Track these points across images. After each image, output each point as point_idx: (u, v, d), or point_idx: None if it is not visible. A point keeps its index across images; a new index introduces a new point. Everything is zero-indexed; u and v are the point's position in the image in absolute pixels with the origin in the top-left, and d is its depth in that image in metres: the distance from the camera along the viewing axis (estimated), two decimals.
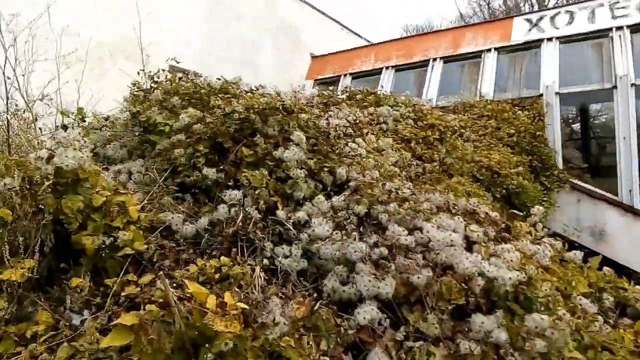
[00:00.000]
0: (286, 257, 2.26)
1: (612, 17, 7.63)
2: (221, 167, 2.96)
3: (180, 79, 3.66)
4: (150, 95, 3.43)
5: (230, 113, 3.21)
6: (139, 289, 1.94)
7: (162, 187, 2.77)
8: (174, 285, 1.98)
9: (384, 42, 10.19)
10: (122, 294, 1.91)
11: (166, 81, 3.62)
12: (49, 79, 3.83)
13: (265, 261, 2.23)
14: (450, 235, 2.06)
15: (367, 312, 1.75)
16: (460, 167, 5.34)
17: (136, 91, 3.51)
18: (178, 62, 3.66)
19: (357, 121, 4.60)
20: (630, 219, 6.53)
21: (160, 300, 1.59)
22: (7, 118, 3.00)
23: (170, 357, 1.48)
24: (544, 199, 6.40)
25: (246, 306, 1.57)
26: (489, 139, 6.80)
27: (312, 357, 1.63)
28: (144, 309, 1.86)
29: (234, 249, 2.18)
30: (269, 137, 3.22)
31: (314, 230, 2.34)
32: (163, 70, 3.64)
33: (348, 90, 6.32)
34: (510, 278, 1.98)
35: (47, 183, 1.78)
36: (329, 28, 14.77)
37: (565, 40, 8.12)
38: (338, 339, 1.76)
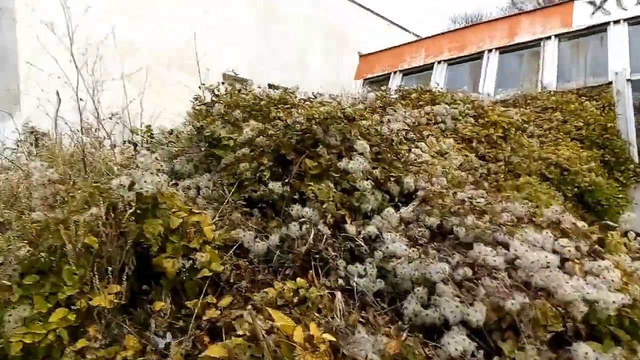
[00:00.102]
0: (361, 276, 2.19)
1: None
2: (286, 180, 2.94)
3: (239, 91, 3.68)
4: (212, 109, 3.47)
5: (292, 124, 3.18)
6: (219, 312, 1.94)
7: (231, 202, 2.78)
8: (251, 306, 1.98)
9: (434, 35, 9.86)
10: (204, 317, 1.92)
11: (226, 94, 3.65)
12: (115, 96, 3.98)
13: (340, 281, 2.17)
14: (546, 256, 1.90)
15: (459, 343, 1.64)
16: (527, 166, 5.04)
17: (198, 105, 3.57)
18: (236, 74, 3.68)
19: (417, 123, 4.44)
20: None
21: (248, 333, 1.57)
22: (82, 138, 3.13)
23: None
24: (619, 196, 5.92)
25: (333, 338, 1.51)
26: (555, 134, 6.39)
27: None
28: (226, 334, 1.86)
29: (310, 271, 2.14)
30: (331, 147, 3.16)
31: (387, 247, 2.26)
32: (223, 82, 3.67)
33: (402, 89, 6.14)
34: (614, 302, 1.80)
35: (130, 211, 1.81)
36: (376, 25, 14.53)
37: (635, 21, 7.47)
38: None
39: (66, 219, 1.79)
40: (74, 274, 1.79)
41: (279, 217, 2.83)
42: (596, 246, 2.30)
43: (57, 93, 4.92)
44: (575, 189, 5.36)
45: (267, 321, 1.76)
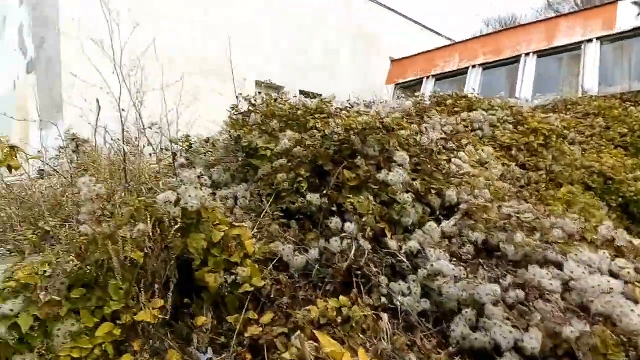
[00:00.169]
0: (404, 294, 2.12)
1: None
2: (323, 191, 2.90)
3: (275, 100, 3.67)
4: (249, 118, 3.47)
5: (329, 134, 3.14)
6: (260, 329, 1.92)
7: (268, 213, 2.76)
8: (293, 324, 1.94)
9: (468, 39, 9.67)
10: (245, 334, 1.90)
11: (262, 103, 3.65)
12: (154, 104, 4.05)
13: (383, 299, 2.11)
14: (609, 281, 1.78)
15: None
16: (569, 175, 4.83)
17: (235, 114, 3.58)
18: (271, 83, 3.67)
19: (454, 131, 4.33)
20: None
21: (296, 358, 1.53)
22: (124, 147, 3.19)
23: None
24: None
25: None
26: (597, 140, 6.12)
27: None
28: (268, 351, 1.84)
29: (353, 289, 2.08)
30: (369, 157, 3.10)
31: (432, 265, 2.18)
32: (259, 92, 3.68)
33: (436, 95, 6.02)
34: None
35: (175, 227, 1.81)
36: (408, 29, 14.38)
37: None
38: None
39: (113, 233, 1.81)
40: (119, 288, 1.80)
41: (316, 228, 2.79)
42: None
43: (97, 101, 5.06)
44: (620, 199, 5.09)
45: (310, 341, 1.72)
